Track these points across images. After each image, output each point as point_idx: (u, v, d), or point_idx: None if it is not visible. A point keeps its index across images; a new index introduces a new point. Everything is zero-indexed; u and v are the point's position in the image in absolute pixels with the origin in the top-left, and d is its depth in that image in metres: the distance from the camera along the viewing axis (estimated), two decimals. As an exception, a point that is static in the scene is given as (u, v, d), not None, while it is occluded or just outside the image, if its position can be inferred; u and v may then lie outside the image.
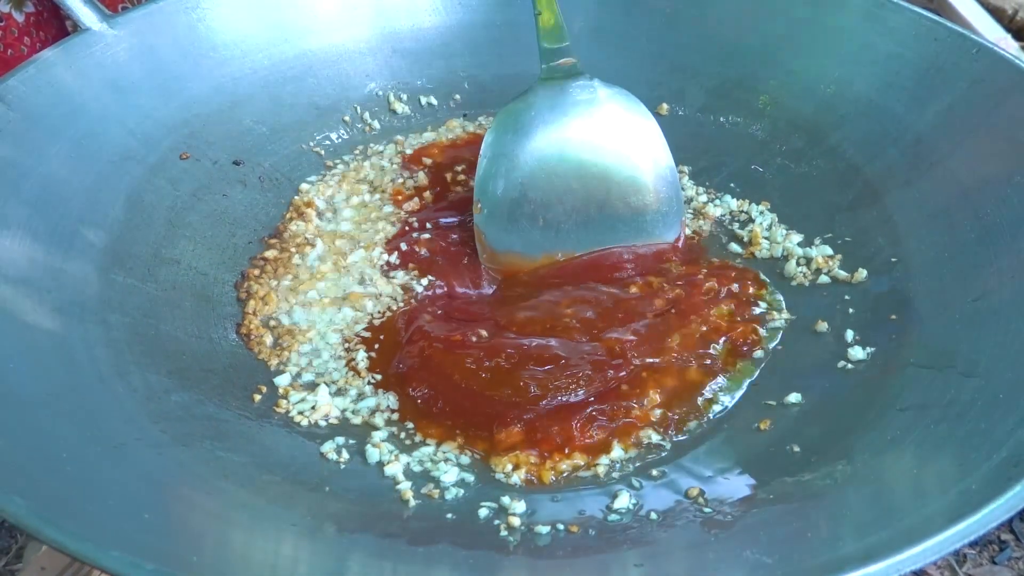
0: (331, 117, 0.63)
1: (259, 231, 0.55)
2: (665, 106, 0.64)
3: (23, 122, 0.49)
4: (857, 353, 0.46)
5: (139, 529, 0.33)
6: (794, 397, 0.45)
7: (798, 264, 0.53)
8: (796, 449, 0.42)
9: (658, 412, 0.44)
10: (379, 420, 0.45)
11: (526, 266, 0.53)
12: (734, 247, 0.55)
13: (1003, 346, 0.41)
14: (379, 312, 0.51)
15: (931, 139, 0.53)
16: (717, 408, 0.45)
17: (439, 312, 0.50)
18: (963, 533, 0.31)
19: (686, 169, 0.60)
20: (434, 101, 0.66)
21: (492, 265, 0.53)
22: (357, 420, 0.45)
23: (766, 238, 0.55)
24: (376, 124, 0.64)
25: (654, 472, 0.42)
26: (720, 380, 0.46)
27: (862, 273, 0.51)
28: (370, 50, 0.65)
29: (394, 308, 0.51)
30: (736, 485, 0.40)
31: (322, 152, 0.62)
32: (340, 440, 0.43)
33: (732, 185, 0.59)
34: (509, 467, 0.42)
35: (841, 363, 0.46)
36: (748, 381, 0.46)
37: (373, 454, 0.42)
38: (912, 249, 0.50)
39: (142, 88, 0.55)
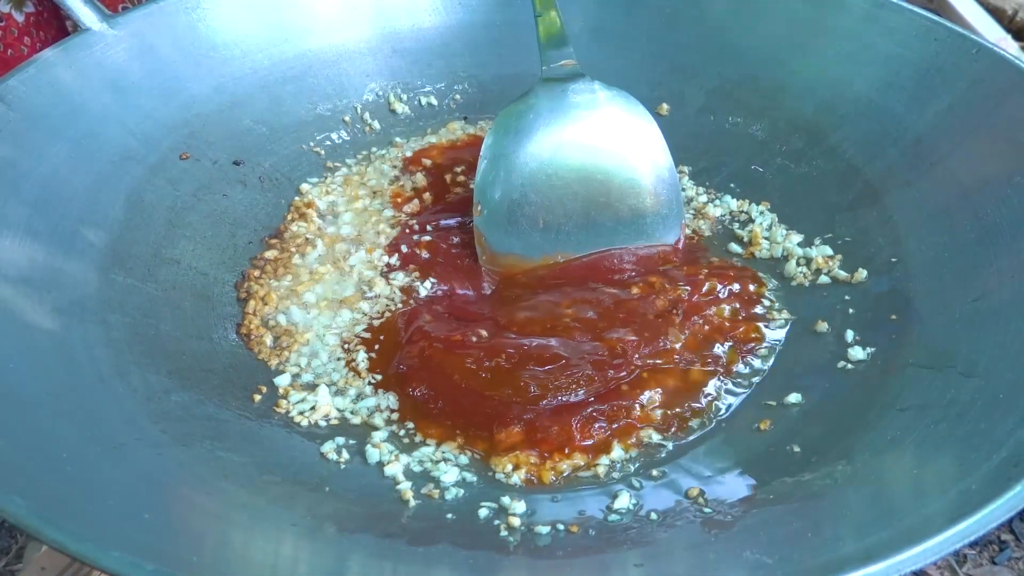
0: (331, 117, 0.63)
1: (259, 231, 0.55)
2: (665, 106, 0.64)
3: (23, 122, 0.49)
4: (857, 353, 0.46)
5: (139, 529, 0.33)
6: (794, 397, 0.45)
7: (798, 264, 0.53)
8: (796, 449, 0.42)
9: (658, 412, 0.44)
10: (379, 420, 0.45)
11: (526, 268, 0.53)
12: (734, 247, 0.55)
13: (1003, 346, 0.41)
14: (378, 313, 0.51)
15: (931, 139, 0.53)
16: (718, 408, 0.45)
17: (439, 312, 0.50)
18: (963, 533, 0.31)
19: (686, 169, 0.60)
20: (434, 101, 0.66)
21: (492, 267, 0.53)
22: (357, 420, 0.45)
23: (766, 238, 0.55)
24: (376, 124, 0.64)
25: (654, 472, 0.42)
26: (721, 380, 0.46)
27: (862, 273, 0.51)
28: (370, 50, 0.65)
29: (393, 309, 0.51)
30: (736, 485, 0.40)
31: (322, 152, 0.62)
32: (340, 440, 0.43)
33: (732, 185, 0.59)
34: (509, 467, 0.42)
35: (841, 363, 0.46)
36: (749, 381, 0.46)
37: (373, 454, 0.42)
38: (912, 249, 0.50)
39: (142, 88, 0.55)
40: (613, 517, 0.39)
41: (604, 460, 0.42)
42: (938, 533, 0.31)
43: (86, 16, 0.55)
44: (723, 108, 0.63)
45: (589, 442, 0.43)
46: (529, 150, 0.52)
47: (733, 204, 0.58)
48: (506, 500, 0.40)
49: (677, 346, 0.47)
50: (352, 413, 0.45)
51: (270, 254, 0.54)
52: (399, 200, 0.58)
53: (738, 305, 0.50)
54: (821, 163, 0.57)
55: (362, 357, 0.48)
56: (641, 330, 0.47)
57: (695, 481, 0.41)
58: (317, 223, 0.56)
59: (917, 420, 0.40)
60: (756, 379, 0.47)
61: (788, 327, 0.49)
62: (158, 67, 0.57)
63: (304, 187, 0.59)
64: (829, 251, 0.53)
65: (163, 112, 0.56)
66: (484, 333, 0.47)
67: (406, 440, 0.44)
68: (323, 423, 0.45)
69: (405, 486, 0.41)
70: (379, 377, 0.47)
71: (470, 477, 0.42)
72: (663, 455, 0.43)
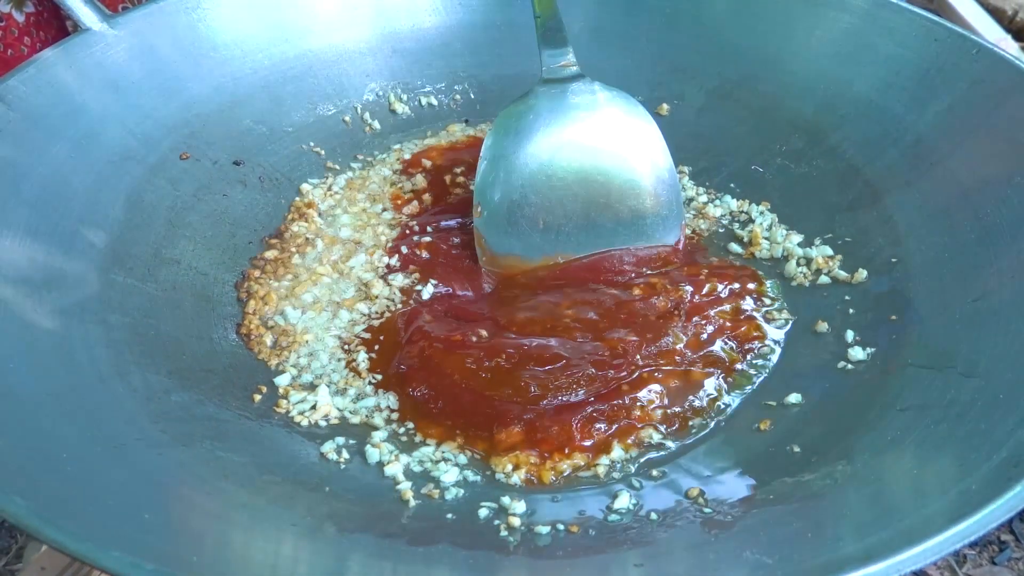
0: (331, 117, 0.63)
1: (259, 231, 0.55)
2: (665, 106, 0.64)
3: (23, 122, 0.49)
4: (857, 353, 0.46)
5: (139, 529, 0.33)
6: (794, 397, 0.45)
7: (798, 264, 0.53)
8: (796, 449, 0.42)
9: (659, 412, 0.44)
10: (379, 420, 0.45)
11: (526, 269, 0.53)
12: (734, 247, 0.55)
13: (1003, 346, 0.41)
14: (378, 313, 0.51)
15: (931, 139, 0.53)
16: (718, 408, 0.45)
17: (439, 312, 0.50)
18: (963, 534, 0.31)
19: (686, 169, 0.60)
20: (434, 101, 0.66)
21: (492, 268, 0.53)
22: (357, 420, 0.45)
23: (766, 238, 0.55)
24: (376, 124, 0.64)
25: (654, 472, 0.42)
26: (721, 380, 0.46)
27: (862, 273, 0.51)
28: (370, 50, 0.65)
29: (393, 310, 0.51)
30: (736, 485, 0.40)
31: (322, 152, 0.62)
32: (340, 440, 0.43)
33: (732, 185, 0.59)
34: (509, 467, 0.42)
35: (841, 363, 0.46)
36: (749, 381, 0.46)
37: (373, 454, 0.42)
38: (912, 249, 0.50)
39: (142, 88, 0.55)
40: (613, 517, 0.39)
41: (604, 460, 0.42)
42: (938, 533, 0.31)
43: (86, 16, 0.55)
44: (723, 108, 0.63)
45: (589, 442, 0.43)
46: (529, 151, 0.52)
47: (733, 204, 0.58)
48: (506, 500, 0.40)
49: (678, 346, 0.47)
50: (352, 413, 0.45)
51: (270, 254, 0.54)
52: (399, 202, 0.58)
53: (738, 305, 0.50)
54: (821, 163, 0.57)
55: (362, 357, 0.48)
56: (642, 330, 0.47)
57: (695, 481, 0.41)
58: (318, 223, 0.56)
59: (917, 420, 0.40)
60: (756, 379, 0.47)
61: (788, 327, 0.49)
62: (158, 67, 0.57)
63: (304, 187, 0.59)
64: (829, 251, 0.53)
65: (163, 112, 0.56)
66: (484, 333, 0.47)
67: (406, 440, 0.44)
68: (323, 423, 0.45)
69: (405, 486, 0.41)
70: (379, 377, 0.47)
71: (470, 477, 0.42)
72: (663, 455, 0.43)
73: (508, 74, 0.65)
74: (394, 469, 0.42)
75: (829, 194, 0.56)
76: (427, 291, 0.51)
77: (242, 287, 0.52)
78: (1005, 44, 0.78)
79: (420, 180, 0.60)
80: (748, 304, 0.50)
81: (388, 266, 0.53)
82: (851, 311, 0.49)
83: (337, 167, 0.61)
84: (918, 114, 0.54)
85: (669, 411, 0.44)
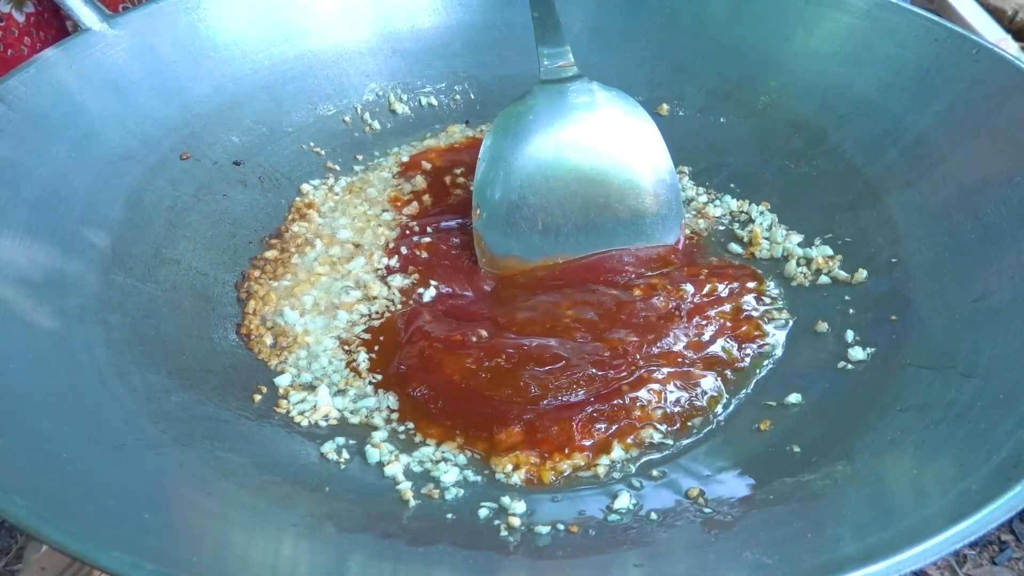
0: (331, 117, 0.63)
1: (259, 231, 0.55)
2: (665, 106, 0.64)
3: (23, 122, 0.49)
4: (857, 353, 0.46)
5: (139, 529, 0.33)
6: (794, 397, 0.45)
7: (798, 264, 0.53)
8: (796, 449, 0.42)
9: (659, 412, 0.44)
10: (379, 420, 0.45)
11: (526, 270, 0.53)
12: (734, 247, 0.55)
13: (1003, 346, 0.41)
14: (378, 313, 0.51)
15: (931, 139, 0.53)
16: (718, 408, 0.45)
17: (439, 312, 0.50)
18: (963, 534, 0.31)
19: (686, 169, 0.60)
20: (434, 101, 0.66)
21: (492, 269, 0.53)
22: (357, 420, 0.45)
23: (766, 238, 0.55)
24: (376, 124, 0.64)
25: (654, 472, 0.42)
26: (721, 380, 0.46)
27: (862, 273, 0.51)
28: (370, 50, 0.65)
29: (393, 310, 0.51)
30: (736, 485, 0.40)
31: (322, 152, 0.62)
32: (340, 440, 0.43)
33: (732, 185, 0.59)
34: (509, 467, 0.42)
35: (841, 363, 0.46)
36: (749, 381, 0.46)
37: (373, 454, 0.42)
38: (912, 249, 0.50)
39: (142, 88, 0.55)
40: (613, 517, 0.39)
41: (604, 460, 0.42)
42: (938, 533, 0.31)
43: (86, 16, 0.55)
44: (723, 108, 0.63)
45: (589, 442, 0.43)
46: (527, 152, 0.52)
47: (733, 204, 0.58)
48: (506, 500, 0.40)
49: (678, 347, 0.47)
50: (352, 413, 0.45)
51: (270, 254, 0.54)
52: (399, 203, 0.58)
53: (739, 305, 0.50)
54: (821, 163, 0.57)
55: (362, 357, 0.48)
56: (642, 331, 0.47)
57: (695, 481, 0.41)
58: (318, 223, 0.56)
59: (917, 420, 0.40)
60: (756, 379, 0.47)
61: (788, 327, 0.49)
62: (158, 67, 0.57)
63: (305, 187, 0.59)
64: (829, 251, 0.53)
65: (163, 112, 0.56)
66: (484, 333, 0.47)
67: (406, 440, 0.44)
68: (323, 423, 0.45)
69: (405, 486, 0.41)
70: (379, 377, 0.47)
71: (470, 477, 0.42)
72: (663, 455, 0.43)
73: (508, 74, 0.65)
74: (394, 469, 0.42)
75: (829, 194, 0.56)
76: (428, 294, 0.51)
77: (242, 287, 0.52)
78: (1005, 44, 0.78)
79: (420, 181, 0.59)
80: (748, 304, 0.50)
81: (388, 267, 0.53)
82: (851, 311, 0.49)
83: (337, 167, 0.61)
84: (918, 114, 0.54)
85: (669, 411, 0.44)
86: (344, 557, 0.36)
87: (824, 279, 0.52)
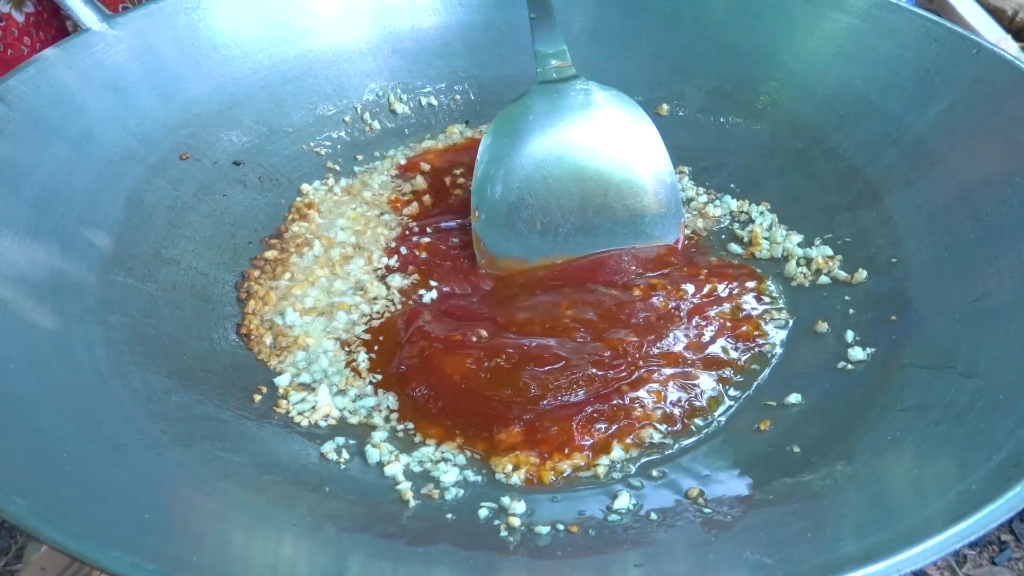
0: (331, 117, 0.63)
1: (259, 231, 0.55)
2: (665, 107, 0.64)
3: (23, 122, 0.49)
4: (857, 354, 0.46)
5: (139, 529, 0.33)
6: (794, 397, 0.45)
7: (798, 264, 0.53)
8: (796, 449, 0.42)
9: (659, 412, 0.44)
10: (379, 420, 0.45)
11: (525, 271, 0.53)
12: (734, 247, 0.55)
13: (1003, 346, 0.41)
14: (378, 313, 0.51)
15: (931, 139, 0.53)
16: (718, 408, 0.45)
17: (439, 312, 0.50)
18: (963, 534, 0.31)
19: (686, 169, 0.60)
20: (434, 102, 0.66)
21: (491, 270, 0.53)
22: (357, 420, 0.45)
23: (766, 238, 0.55)
24: (376, 125, 0.64)
25: (654, 472, 0.42)
26: (721, 380, 0.46)
27: (862, 273, 0.51)
28: (370, 50, 0.65)
29: (393, 310, 0.51)
30: (736, 485, 0.40)
31: (322, 152, 0.62)
32: (340, 440, 0.43)
33: (732, 185, 0.59)
34: (509, 467, 0.42)
35: (841, 363, 0.46)
36: (749, 381, 0.46)
37: (373, 454, 0.42)
38: (912, 249, 0.50)
39: (142, 88, 0.55)
40: (613, 517, 0.39)
41: (604, 460, 0.42)
42: (938, 533, 0.31)
43: (86, 16, 0.55)
44: (723, 108, 0.63)
45: (589, 442, 0.43)
46: (525, 152, 0.52)
47: (733, 204, 0.58)
48: (506, 500, 0.40)
49: (678, 347, 0.47)
50: (352, 413, 0.45)
51: (270, 254, 0.54)
52: (398, 204, 0.58)
53: (738, 305, 0.50)
54: (821, 163, 0.57)
55: (362, 357, 0.48)
56: (642, 331, 0.47)
57: (695, 481, 0.41)
58: (318, 223, 0.56)
59: (917, 420, 0.40)
60: (756, 379, 0.47)
61: (788, 327, 0.49)
62: (158, 67, 0.57)
63: (305, 187, 0.59)
64: (829, 251, 0.53)
65: (163, 112, 0.56)
66: (484, 333, 0.47)
67: (406, 440, 0.44)
68: (323, 423, 0.45)
69: (405, 486, 0.41)
70: (379, 377, 0.47)
71: (470, 477, 0.42)
72: (663, 455, 0.43)
73: (508, 74, 0.64)
74: (394, 469, 0.42)
75: (829, 194, 0.56)
76: (428, 294, 0.51)
77: (242, 287, 0.52)
78: (1005, 44, 0.78)
79: (420, 182, 0.59)
80: (748, 304, 0.50)
81: (387, 267, 0.53)
82: (851, 311, 0.49)
83: (337, 167, 0.61)
84: (918, 114, 0.54)
85: (669, 411, 0.44)
86: (344, 557, 0.36)
87: (824, 279, 0.52)
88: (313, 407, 0.45)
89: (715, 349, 0.48)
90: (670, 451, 0.43)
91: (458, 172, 0.60)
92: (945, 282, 0.47)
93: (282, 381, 0.46)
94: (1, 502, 0.31)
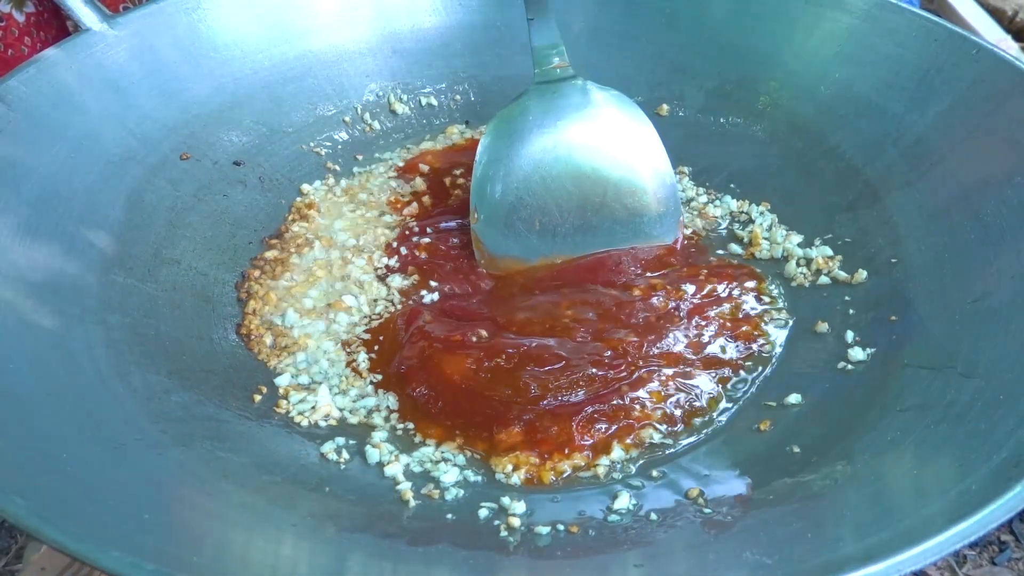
0: (331, 118, 0.63)
1: (259, 231, 0.55)
2: (665, 107, 0.64)
3: (23, 122, 0.49)
4: (857, 354, 0.46)
5: (139, 529, 0.33)
6: (794, 398, 0.45)
7: (798, 265, 0.53)
8: (796, 450, 0.42)
9: (659, 412, 0.44)
10: (379, 420, 0.45)
11: (525, 270, 0.53)
12: (734, 248, 0.55)
13: (1003, 346, 0.41)
14: (378, 314, 0.51)
15: (931, 140, 0.53)
16: (718, 409, 0.45)
17: (439, 312, 0.50)
18: (963, 534, 0.31)
19: (686, 170, 0.60)
20: (434, 102, 0.66)
21: (491, 270, 0.53)
22: (357, 420, 0.45)
23: (766, 239, 0.55)
24: (376, 125, 0.64)
25: (654, 473, 0.42)
26: (721, 381, 0.46)
27: (862, 274, 0.51)
28: (370, 50, 0.65)
29: (393, 311, 0.51)
30: (736, 485, 0.40)
31: (322, 153, 0.62)
32: (340, 440, 0.43)
33: (732, 185, 0.59)
34: (509, 467, 0.42)
35: (841, 364, 0.46)
36: (749, 381, 0.46)
37: (373, 454, 0.42)
38: (912, 249, 0.50)
39: (142, 88, 0.55)
40: (613, 517, 0.39)
41: (604, 460, 0.42)
42: (938, 533, 0.31)
43: (86, 16, 0.55)
44: (723, 108, 0.63)
45: (589, 442, 0.43)
46: (523, 152, 0.52)
47: (733, 204, 0.58)
48: (506, 500, 0.40)
49: (678, 347, 0.47)
50: (352, 413, 0.45)
51: (270, 254, 0.54)
52: (398, 204, 0.58)
53: (738, 305, 0.50)
54: (821, 163, 0.57)
55: (363, 357, 0.48)
56: (642, 331, 0.47)
57: (695, 481, 0.41)
58: (318, 224, 0.56)
59: (917, 420, 0.40)
60: (756, 379, 0.47)
61: (788, 327, 0.49)
62: (158, 67, 0.57)
63: (305, 187, 0.59)
64: (829, 251, 0.53)
65: (163, 112, 0.56)
66: (484, 333, 0.47)
67: (406, 440, 0.44)
68: (323, 423, 0.45)
69: (405, 486, 0.41)
70: (379, 377, 0.47)
71: (470, 477, 0.42)
72: (663, 455, 0.43)
73: (508, 75, 0.64)
74: (394, 469, 0.42)
75: (829, 194, 0.56)
76: (429, 297, 0.52)
77: (242, 287, 0.52)
78: (1005, 44, 0.78)
79: (420, 182, 0.60)
80: (748, 304, 0.50)
81: (387, 267, 0.53)
82: (851, 311, 0.49)
83: (337, 168, 0.61)
84: (918, 114, 0.54)
85: (669, 411, 0.44)
86: (344, 557, 0.36)
87: (824, 279, 0.52)
88: (313, 407, 0.45)
89: (715, 349, 0.48)
90: (670, 451, 0.43)
91: (458, 172, 0.60)
92: (945, 282, 0.47)
93: (282, 381, 0.46)
94: (1, 502, 0.31)
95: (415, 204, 0.58)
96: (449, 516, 0.39)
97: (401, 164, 0.61)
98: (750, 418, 0.44)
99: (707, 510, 0.39)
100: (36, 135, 0.49)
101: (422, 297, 0.52)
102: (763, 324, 0.49)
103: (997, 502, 0.32)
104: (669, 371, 0.46)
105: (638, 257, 0.53)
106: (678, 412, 0.44)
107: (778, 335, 0.49)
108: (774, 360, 0.48)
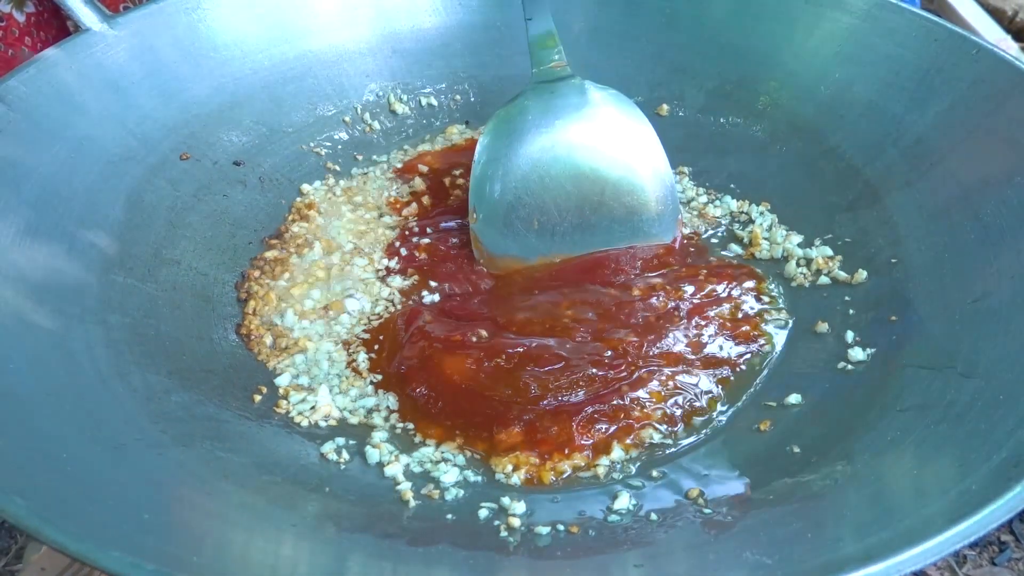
0: (331, 118, 0.63)
1: (259, 232, 0.55)
2: (665, 107, 0.64)
3: (23, 122, 0.49)
4: (857, 354, 0.46)
5: (139, 529, 0.33)
6: (794, 398, 0.45)
7: (798, 265, 0.53)
8: (796, 450, 0.42)
9: (659, 412, 0.44)
10: (379, 420, 0.45)
11: (524, 269, 0.53)
12: (734, 248, 0.55)
13: (1003, 346, 0.41)
14: (377, 314, 0.51)
15: (931, 140, 0.53)
16: (719, 409, 0.45)
17: (439, 312, 0.50)
18: (963, 534, 0.31)
19: (686, 170, 0.60)
20: (434, 102, 0.66)
21: (490, 269, 0.53)
22: (357, 420, 0.45)
23: (766, 239, 0.55)
24: (376, 125, 0.64)
25: (654, 473, 0.42)
26: (721, 381, 0.46)
27: (862, 274, 0.51)
28: (370, 50, 0.65)
29: (393, 311, 0.51)
30: (736, 486, 0.40)
31: (322, 153, 0.62)
32: (340, 441, 0.43)
33: (732, 185, 0.59)
34: (509, 468, 0.42)
35: (841, 364, 0.46)
36: (749, 381, 0.46)
37: (373, 455, 0.42)
38: (912, 249, 0.50)
39: (142, 88, 0.55)
40: (613, 518, 0.39)
41: (604, 460, 0.42)
42: (938, 534, 0.31)
43: (87, 16, 0.55)
44: (723, 108, 0.63)
45: (589, 442, 0.43)
46: (521, 152, 0.52)
47: (733, 204, 0.58)
48: (506, 500, 0.40)
49: (677, 347, 0.47)
50: (352, 413, 0.45)
51: (270, 254, 0.54)
52: (398, 205, 0.58)
53: (738, 305, 0.50)
54: (821, 163, 0.57)
55: (362, 357, 0.48)
56: (642, 331, 0.47)
57: (695, 482, 0.41)
58: (318, 224, 0.56)
59: (917, 421, 0.40)
60: (756, 379, 0.47)
61: (788, 327, 0.49)
62: (158, 67, 0.57)
63: (305, 187, 0.59)
64: (829, 252, 0.53)
65: (163, 112, 0.56)
66: (484, 333, 0.47)
67: (406, 440, 0.44)
68: (323, 423, 0.45)
69: (405, 486, 0.41)
70: (379, 377, 0.47)
71: (470, 477, 0.42)
72: (663, 455, 0.43)
73: (508, 75, 0.64)
74: (394, 469, 0.42)
75: (829, 194, 0.56)
76: (429, 297, 0.52)
77: (242, 287, 0.52)
78: (1005, 44, 0.78)
79: (419, 183, 0.59)
80: (748, 304, 0.50)
81: (387, 268, 0.53)
82: (851, 311, 0.49)
83: (337, 168, 0.61)
84: (918, 114, 0.54)
85: (669, 411, 0.44)
86: (344, 557, 0.36)
87: (824, 279, 0.52)
88: (313, 407, 0.45)
89: (715, 349, 0.48)
90: (670, 451, 0.43)
91: (457, 173, 0.60)
92: (945, 282, 0.47)
93: (282, 381, 0.46)
94: (1, 502, 0.31)
95: (415, 204, 0.58)
96: (449, 516, 0.39)
97: (400, 165, 0.61)
98: (750, 418, 0.44)
99: (707, 510, 0.39)
100: (36, 135, 0.49)
101: (422, 297, 0.52)
102: (763, 324, 0.49)
103: (997, 502, 0.32)
104: (669, 371, 0.46)
105: (638, 257, 0.53)
106: (678, 412, 0.44)
107: (778, 335, 0.49)
108: (774, 360, 0.48)
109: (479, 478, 0.42)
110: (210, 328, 0.48)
